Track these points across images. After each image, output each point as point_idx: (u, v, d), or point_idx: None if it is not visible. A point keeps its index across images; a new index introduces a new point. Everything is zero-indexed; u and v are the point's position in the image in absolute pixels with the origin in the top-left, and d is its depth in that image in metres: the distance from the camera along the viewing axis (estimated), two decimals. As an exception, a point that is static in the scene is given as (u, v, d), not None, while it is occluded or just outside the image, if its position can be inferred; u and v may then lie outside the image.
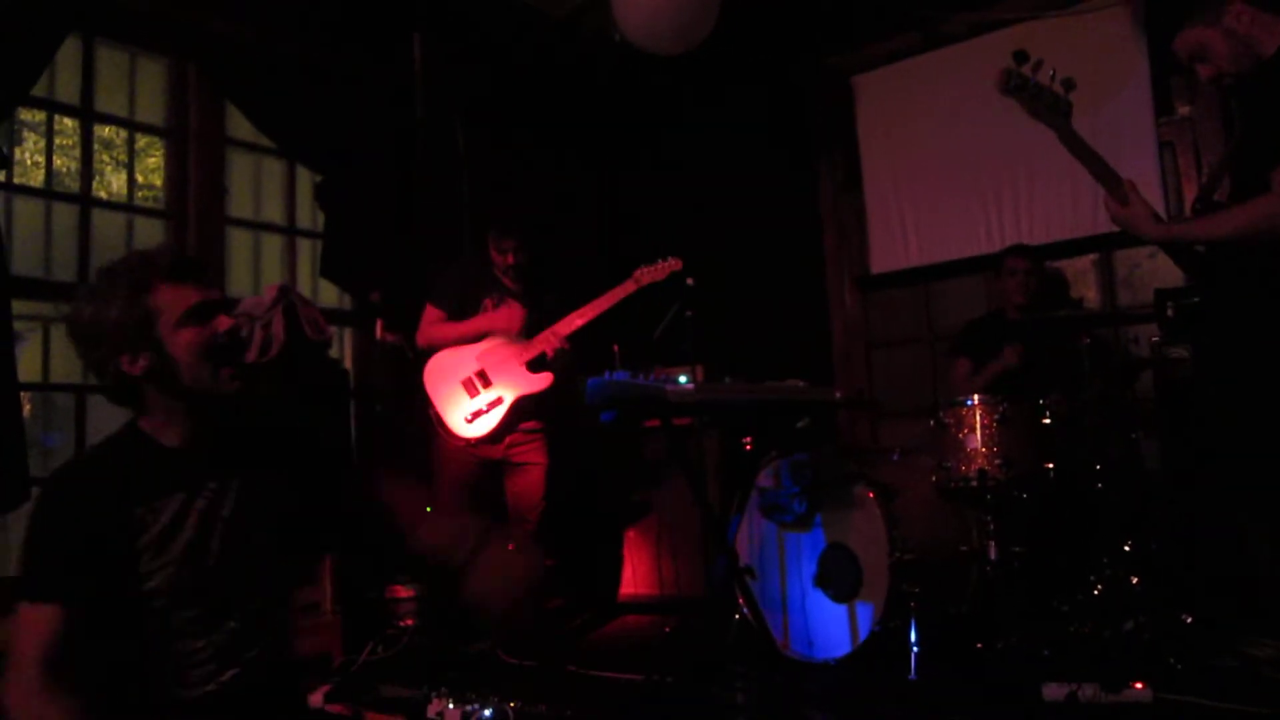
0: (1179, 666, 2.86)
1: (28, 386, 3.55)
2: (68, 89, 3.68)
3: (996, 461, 3.30)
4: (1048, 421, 3.39)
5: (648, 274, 3.75)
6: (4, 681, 1.53)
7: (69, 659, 1.55)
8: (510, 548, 1.93)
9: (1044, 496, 3.40)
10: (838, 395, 4.44)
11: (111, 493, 1.64)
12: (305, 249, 4.48)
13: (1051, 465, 3.34)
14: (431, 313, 3.77)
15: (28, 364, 3.56)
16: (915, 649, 3.10)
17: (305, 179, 4.43)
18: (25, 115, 3.68)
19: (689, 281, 4.08)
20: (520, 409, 3.65)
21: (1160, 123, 4.26)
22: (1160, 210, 4.17)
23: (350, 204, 4.35)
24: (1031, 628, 3.17)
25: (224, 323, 1.69)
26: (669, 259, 3.76)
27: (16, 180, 3.60)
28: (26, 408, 3.59)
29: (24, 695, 1.52)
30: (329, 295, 4.49)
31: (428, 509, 4.03)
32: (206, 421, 1.75)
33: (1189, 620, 3.07)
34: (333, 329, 4.09)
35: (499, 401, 3.62)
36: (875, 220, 5.06)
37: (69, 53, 3.61)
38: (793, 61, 5.20)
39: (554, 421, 3.83)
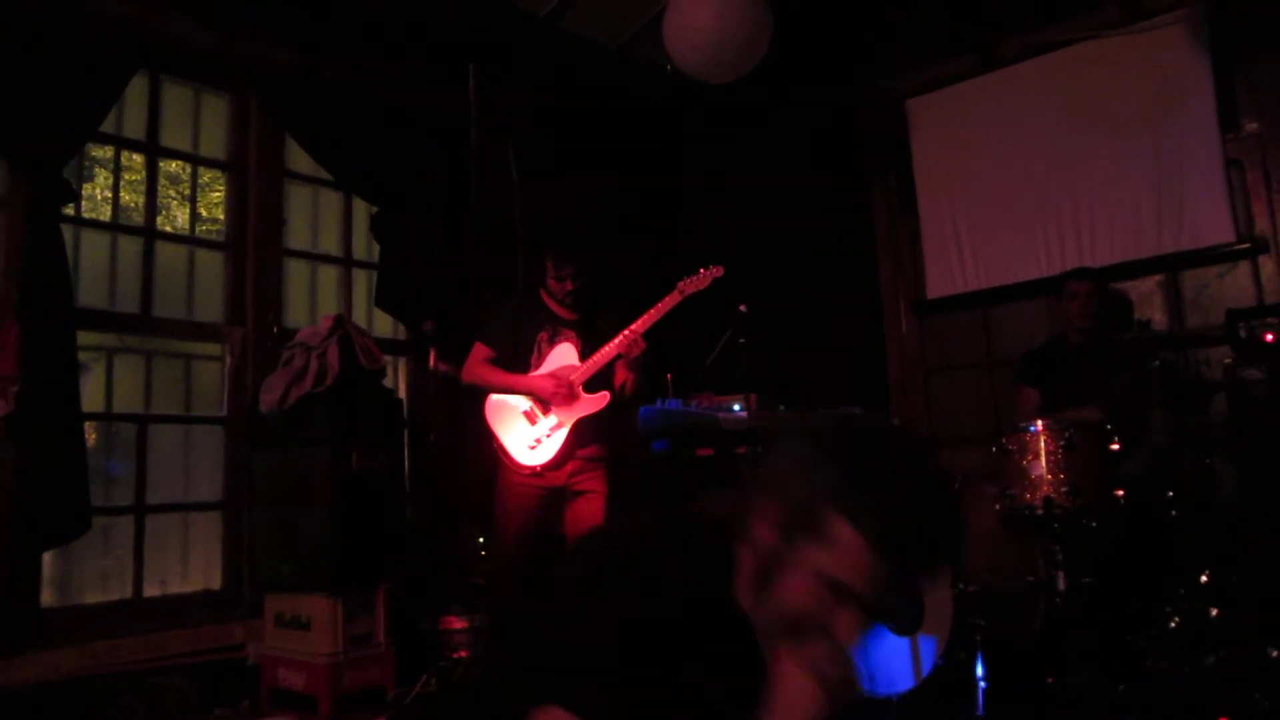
0: (1266, 703, 2.72)
1: (91, 416, 3.62)
2: (135, 125, 3.78)
3: (1063, 489, 3.18)
4: (1116, 447, 3.27)
5: (691, 284, 3.72)
6: None
7: None
8: None
9: (1115, 525, 3.27)
10: (895, 422, 4.37)
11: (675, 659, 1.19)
12: (361, 279, 4.54)
13: (1122, 493, 3.22)
14: (480, 351, 3.75)
15: (91, 394, 3.63)
16: (982, 684, 2.99)
17: (362, 210, 4.50)
18: (96, 152, 3.79)
19: (742, 308, 4.05)
20: (581, 432, 3.63)
21: (1226, 139, 4.15)
22: (1228, 230, 4.09)
23: (405, 235, 4.40)
24: (1105, 663, 3.04)
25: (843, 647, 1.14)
26: (711, 267, 3.73)
27: (86, 215, 3.70)
28: (91, 437, 3.65)
29: None
30: (384, 325, 4.54)
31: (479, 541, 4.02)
32: None
33: (1275, 654, 2.92)
34: (387, 359, 4.12)
35: (560, 426, 3.61)
36: (931, 244, 4.99)
37: (136, 89, 3.72)
38: (847, 85, 5.18)
39: (614, 449, 3.80)
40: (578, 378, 3.65)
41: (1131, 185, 4.37)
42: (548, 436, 3.61)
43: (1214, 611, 3.03)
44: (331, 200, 4.48)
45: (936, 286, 4.97)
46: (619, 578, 1.19)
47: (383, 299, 4.40)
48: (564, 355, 3.72)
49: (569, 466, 3.65)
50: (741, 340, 4.01)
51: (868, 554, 1.08)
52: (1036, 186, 4.63)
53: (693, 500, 4.77)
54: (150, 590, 3.69)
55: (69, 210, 3.49)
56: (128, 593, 3.62)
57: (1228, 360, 3.51)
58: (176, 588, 3.80)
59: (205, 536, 3.90)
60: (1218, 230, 4.15)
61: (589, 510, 3.68)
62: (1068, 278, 4.05)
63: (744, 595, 1.18)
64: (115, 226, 3.77)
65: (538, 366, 3.71)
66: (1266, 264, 4.09)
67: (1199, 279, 4.28)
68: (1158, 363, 3.44)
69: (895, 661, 3.32)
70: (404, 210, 4.40)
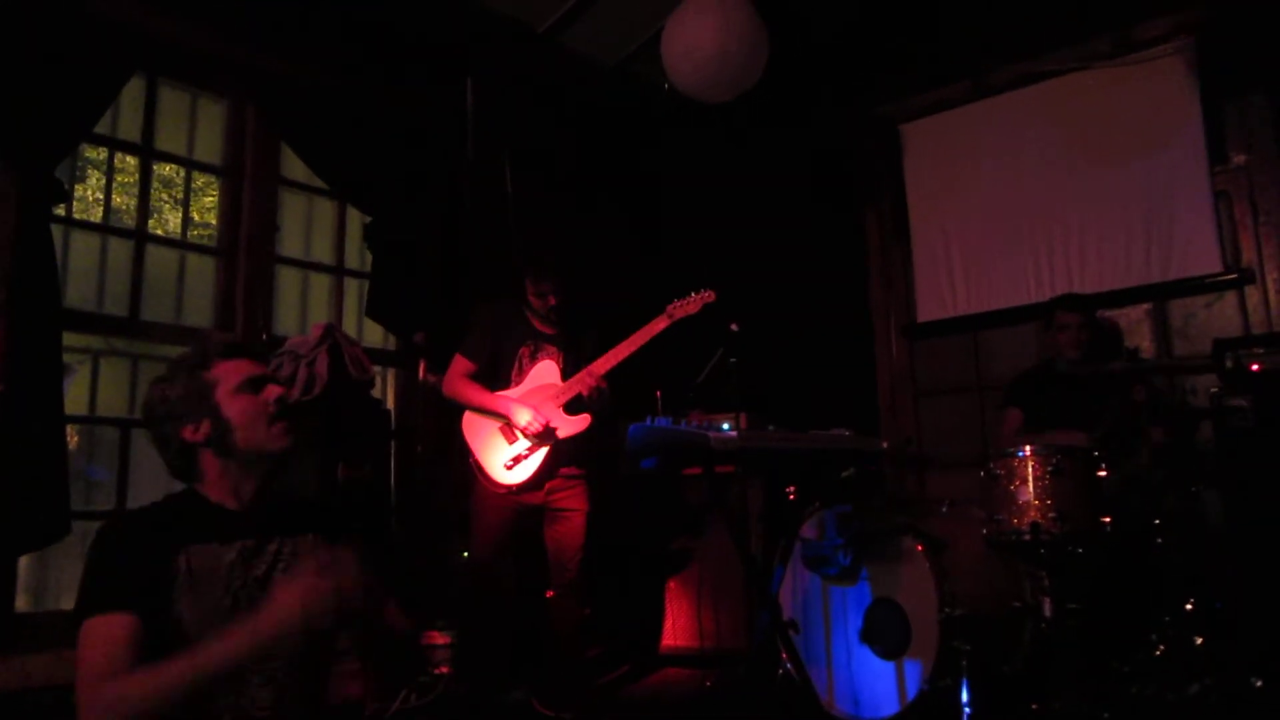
0: (1249, 733, 2.72)
1: (74, 419, 3.58)
2: (130, 127, 3.77)
3: (1050, 515, 3.18)
4: (1103, 474, 3.28)
5: (680, 308, 3.68)
6: (79, 700, 1.57)
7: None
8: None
9: (1101, 552, 3.27)
10: (884, 445, 4.36)
11: (164, 535, 1.72)
12: (352, 289, 4.52)
13: (1108, 519, 3.23)
14: (460, 364, 3.68)
15: (75, 396, 3.59)
16: (967, 710, 2.98)
17: (355, 220, 4.49)
18: (89, 153, 3.77)
19: (733, 327, 4.04)
20: (560, 452, 3.60)
21: (1215, 171, 4.19)
22: (1216, 260, 4.12)
23: (398, 245, 4.39)
24: (1089, 689, 3.03)
25: (273, 391, 1.86)
26: (702, 291, 3.70)
27: (78, 216, 3.67)
28: (73, 440, 3.61)
29: (100, 704, 1.55)
30: (374, 335, 4.52)
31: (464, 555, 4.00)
32: (263, 486, 1.85)
33: (1259, 684, 2.92)
34: (376, 369, 4.10)
35: (538, 446, 3.57)
36: (922, 268, 5.01)
37: (133, 92, 3.70)
38: (841, 109, 5.22)
39: (594, 467, 3.77)
40: (556, 395, 3.62)
41: (1121, 214, 4.41)
42: (526, 455, 3.57)
43: (1198, 640, 3.03)
44: (325, 208, 4.47)
45: (927, 310, 4.99)
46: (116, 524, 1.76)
47: (373, 309, 4.38)
48: (545, 373, 3.68)
49: (548, 485, 3.61)
50: (732, 360, 4.00)
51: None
52: (1027, 213, 4.67)
53: (677, 516, 4.76)
54: (129, 597, 3.63)
55: (60, 210, 3.47)
56: (106, 599, 3.57)
57: (1214, 389, 3.53)
58: (156, 595, 3.75)
59: (186, 544, 3.85)
60: (1206, 260, 4.18)
61: (569, 529, 3.62)
62: (1056, 307, 4.04)
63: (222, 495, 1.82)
64: (106, 228, 3.75)
65: (518, 382, 3.68)
66: (1253, 295, 4.13)
67: (1186, 308, 4.31)
68: (1145, 390, 3.46)
69: (879, 686, 3.31)
70: (398, 220, 4.39)
